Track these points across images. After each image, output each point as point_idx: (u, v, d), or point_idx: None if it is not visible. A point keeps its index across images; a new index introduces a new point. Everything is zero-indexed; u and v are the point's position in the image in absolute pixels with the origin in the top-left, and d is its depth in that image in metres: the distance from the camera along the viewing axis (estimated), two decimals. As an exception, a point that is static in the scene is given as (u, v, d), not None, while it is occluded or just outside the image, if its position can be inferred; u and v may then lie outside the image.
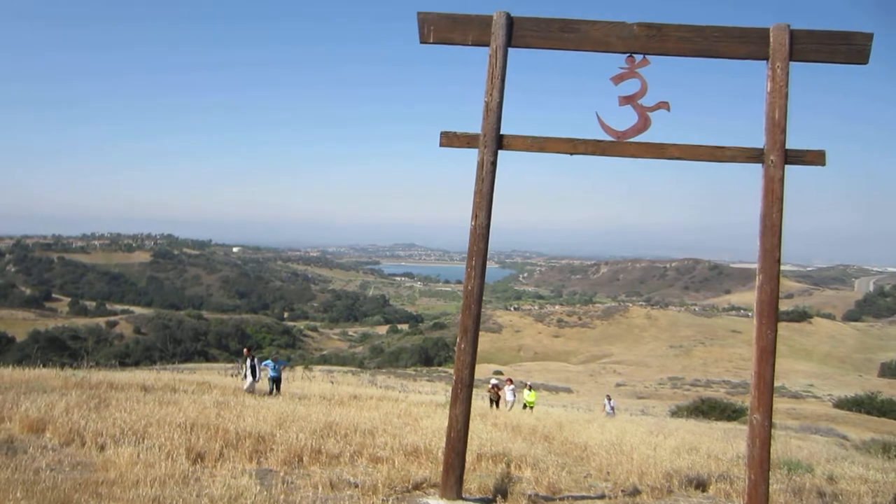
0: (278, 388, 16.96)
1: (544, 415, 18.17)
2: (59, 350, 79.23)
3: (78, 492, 5.76)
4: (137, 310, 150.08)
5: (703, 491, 8.45)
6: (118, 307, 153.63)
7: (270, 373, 16.97)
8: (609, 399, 26.89)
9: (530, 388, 23.94)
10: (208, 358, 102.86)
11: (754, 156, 6.85)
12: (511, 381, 24.42)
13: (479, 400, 22.23)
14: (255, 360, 16.24)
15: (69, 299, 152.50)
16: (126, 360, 73.86)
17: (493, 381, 23.93)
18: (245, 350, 17.29)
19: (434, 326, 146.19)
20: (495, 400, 21.94)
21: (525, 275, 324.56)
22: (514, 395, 23.57)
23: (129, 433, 8.24)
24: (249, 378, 16.03)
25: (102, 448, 7.57)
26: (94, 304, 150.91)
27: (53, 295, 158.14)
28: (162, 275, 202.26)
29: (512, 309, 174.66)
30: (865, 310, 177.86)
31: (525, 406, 22.54)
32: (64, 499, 5.53)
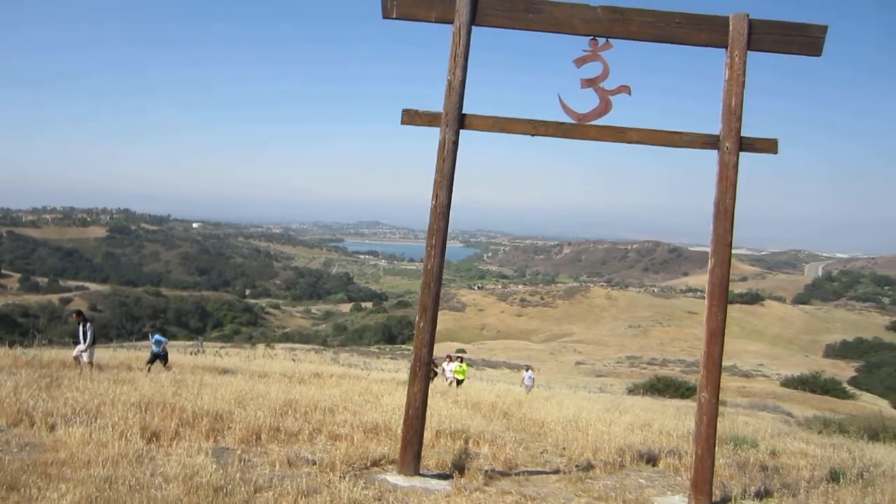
0: (155, 362, 15.42)
1: (504, 392, 18.41)
2: (9, 328, 76.80)
3: (26, 473, 5.63)
4: (93, 286, 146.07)
5: (654, 465, 8.73)
6: (72, 283, 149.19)
7: (154, 348, 15.71)
8: (528, 370, 25.05)
9: (461, 361, 22.30)
10: (167, 336, 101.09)
11: (710, 142, 7.00)
12: (451, 358, 22.66)
13: (440, 377, 22.34)
14: (88, 325, 14.05)
15: (19, 275, 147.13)
16: (81, 337, 72.01)
17: None
18: (75, 315, 15.11)
19: (398, 304, 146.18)
20: (431, 377, 20.99)
21: (489, 254, 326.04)
22: (442, 368, 22.02)
23: (82, 413, 8.08)
24: (80, 345, 13.96)
25: (53, 428, 7.40)
26: (45, 280, 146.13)
27: (2, 271, 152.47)
28: (118, 250, 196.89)
29: (475, 288, 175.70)
30: (814, 293, 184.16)
31: (455, 381, 21.15)
32: (11, 480, 5.40)
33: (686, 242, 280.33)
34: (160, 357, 15.70)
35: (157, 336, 16.26)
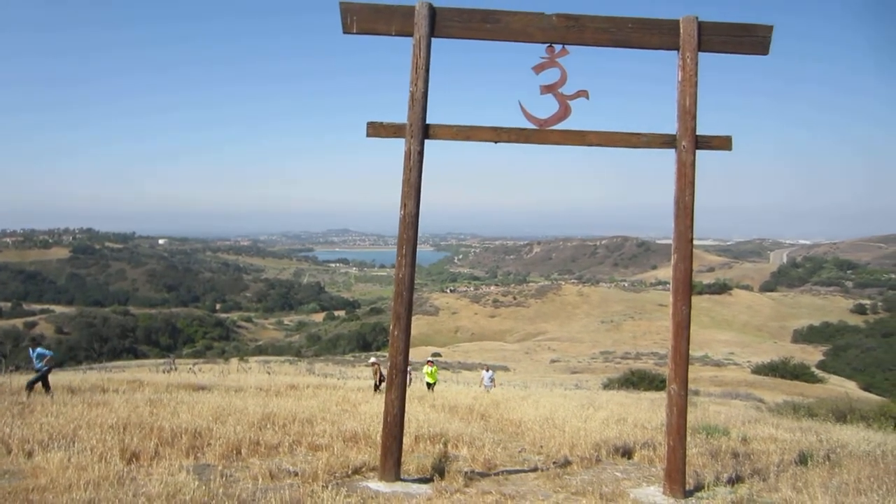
0: (45, 386, 13.15)
1: (481, 394, 18.56)
2: (-28, 354, 74.53)
3: (8, 500, 5.61)
4: (58, 308, 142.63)
5: (629, 458, 8.96)
6: (36, 307, 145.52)
7: (36, 364, 13.31)
8: (488, 370, 24.98)
9: (432, 365, 21.85)
10: (138, 355, 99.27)
11: (667, 141, 7.25)
12: None
13: (417, 382, 22.42)
14: None
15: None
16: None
17: (372, 359, 20.92)
18: None
19: (371, 312, 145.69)
20: (378, 382, 18.28)
21: (460, 256, 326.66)
22: (410, 375, 21.82)
23: (58, 437, 8.00)
24: None
25: (30, 455, 7.33)
26: (8, 304, 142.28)
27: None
28: (83, 271, 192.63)
29: (448, 291, 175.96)
30: (780, 280, 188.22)
31: (428, 385, 20.57)
32: (-8, 508, 5.38)
33: (654, 236, 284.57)
34: (43, 375, 13.27)
35: (39, 350, 13.65)
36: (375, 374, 18.52)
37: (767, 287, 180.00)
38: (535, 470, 8.02)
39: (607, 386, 36.58)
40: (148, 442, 7.89)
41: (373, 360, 20.64)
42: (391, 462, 6.97)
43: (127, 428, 8.55)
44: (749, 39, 7.36)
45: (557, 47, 7.20)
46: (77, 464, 6.76)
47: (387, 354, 7.27)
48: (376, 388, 17.86)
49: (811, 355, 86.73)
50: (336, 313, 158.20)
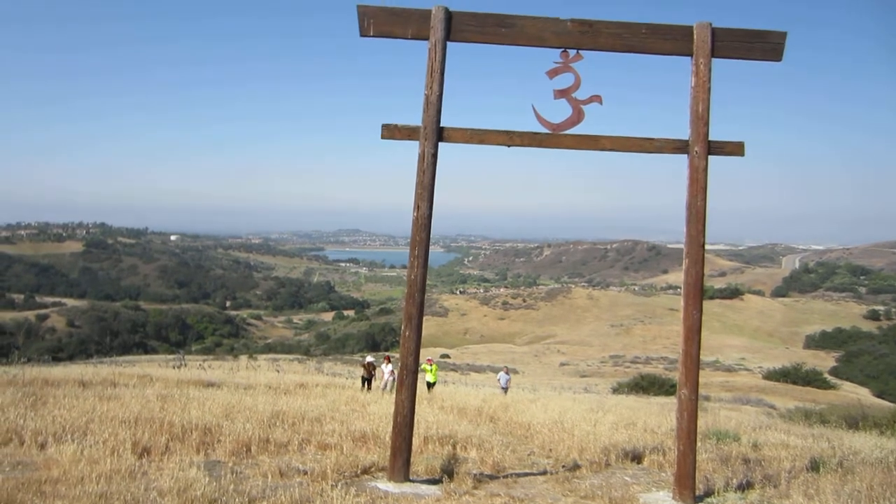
0: None
1: (490, 396, 18.55)
2: (-14, 346, 75.39)
3: (21, 491, 5.69)
4: (70, 302, 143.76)
5: (639, 463, 8.94)
6: (49, 300, 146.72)
7: None
8: (507, 372, 24.10)
9: (431, 363, 21.08)
10: (147, 350, 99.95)
11: (680, 147, 7.24)
12: (389, 359, 21.05)
13: (421, 383, 22.39)
14: None
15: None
16: (59, 354, 71.08)
17: (369, 359, 20.88)
18: None
19: (380, 312, 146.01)
20: (368, 379, 19.33)
21: (470, 258, 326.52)
22: (395, 375, 19.99)
23: (71, 430, 8.08)
24: None
25: (43, 446, 7.43)
26: (21, 297, 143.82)
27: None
28: (96, 265, 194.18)
29: (458, 292, 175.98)
30: (792, 286, 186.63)
31: (428, 385, 19.97)
32: (7, 499, 5.45)
33: (664, 240, 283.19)
34: None
35: None
36: (371, 372, 19.55)
37: (779, 292, 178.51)
38: (543, 473, 8.03)
39: (617, 390, 36.50)
40: (159, 437, 7.98)
41: (369, 359, 21.08)
42: (400, 462, 7.01)
43: (138, 422, 8.63)
44: (762, 46, 7.34)
45: (572, 52, 7.22)
46: (89, 457, 6.84)
47: (397, 354, 7.30)
48: (368, 385, 19.13)
49: (823, 361, 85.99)
50: (345, 313, 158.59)
